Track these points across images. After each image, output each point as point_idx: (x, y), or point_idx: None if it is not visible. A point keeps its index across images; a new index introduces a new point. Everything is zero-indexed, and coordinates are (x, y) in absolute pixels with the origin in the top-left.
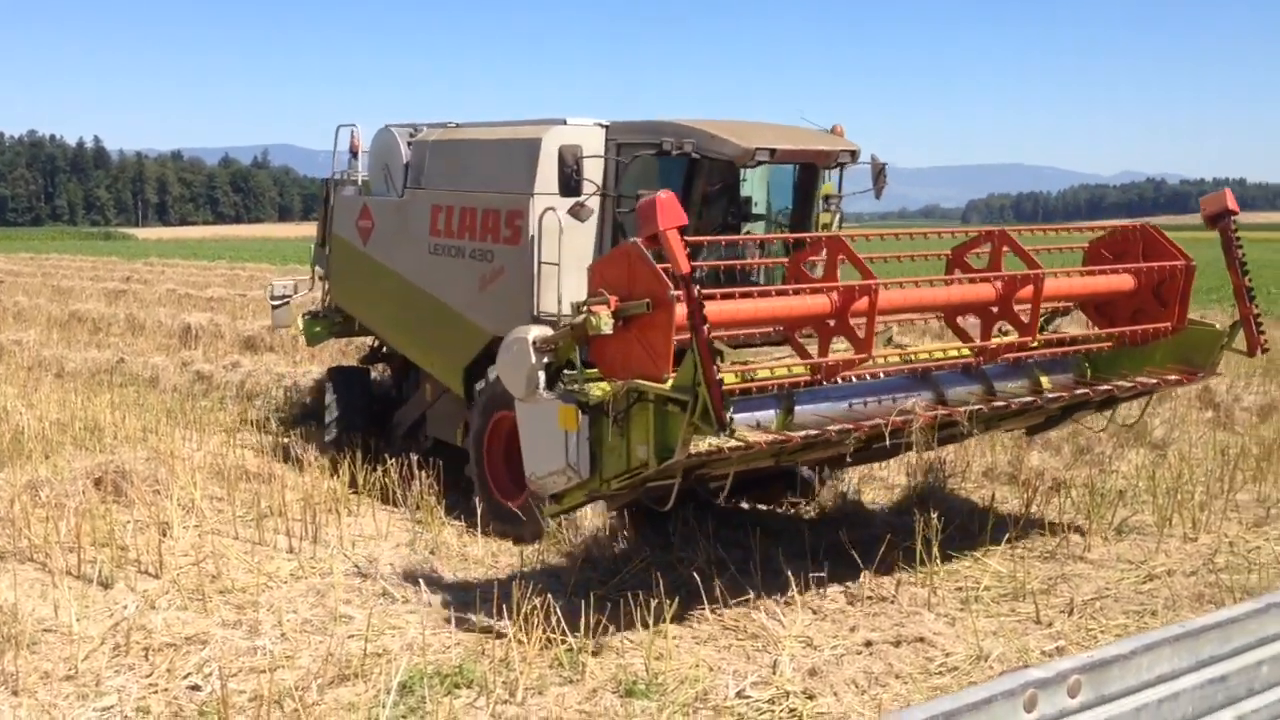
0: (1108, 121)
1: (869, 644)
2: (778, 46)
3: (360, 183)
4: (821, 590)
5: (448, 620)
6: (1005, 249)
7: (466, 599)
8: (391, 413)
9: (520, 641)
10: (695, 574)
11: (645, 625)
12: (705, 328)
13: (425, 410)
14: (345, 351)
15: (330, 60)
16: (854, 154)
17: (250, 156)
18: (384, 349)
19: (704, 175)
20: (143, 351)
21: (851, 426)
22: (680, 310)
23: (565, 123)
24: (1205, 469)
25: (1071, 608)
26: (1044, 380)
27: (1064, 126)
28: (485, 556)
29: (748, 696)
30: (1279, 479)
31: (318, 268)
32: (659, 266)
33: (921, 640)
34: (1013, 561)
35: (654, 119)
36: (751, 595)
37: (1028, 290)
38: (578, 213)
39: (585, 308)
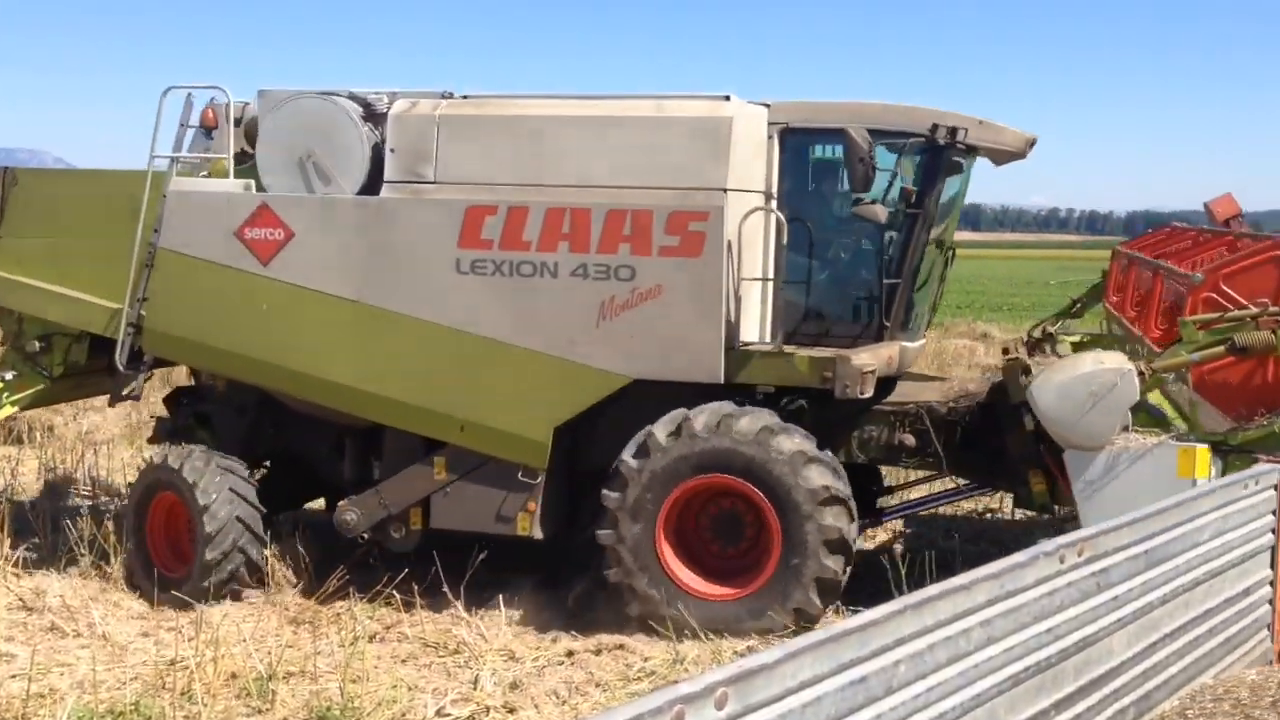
0: None
1: (571, 654)
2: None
3: (228, 172)
4: (528, 601)
5: (124, 653)
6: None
7: (146, 629)
8: (295, 501)
9: (204, 671)
10: (395, 592)
11: (342, 646)
12: None
13: (429, 494)
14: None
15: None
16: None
17: None
18: (206, 416)
19: (947, 169)
20: None
21: None
22: None
23: (730, 99)
24: None
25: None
26: None
27: None
28: None
29: (447, 715)
30: None
31: None
32: None
33: (621, 648)
34: None
35: (844, 101)
36: (455, 610)
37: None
38: (874, 214)
39: (1251, 322)
